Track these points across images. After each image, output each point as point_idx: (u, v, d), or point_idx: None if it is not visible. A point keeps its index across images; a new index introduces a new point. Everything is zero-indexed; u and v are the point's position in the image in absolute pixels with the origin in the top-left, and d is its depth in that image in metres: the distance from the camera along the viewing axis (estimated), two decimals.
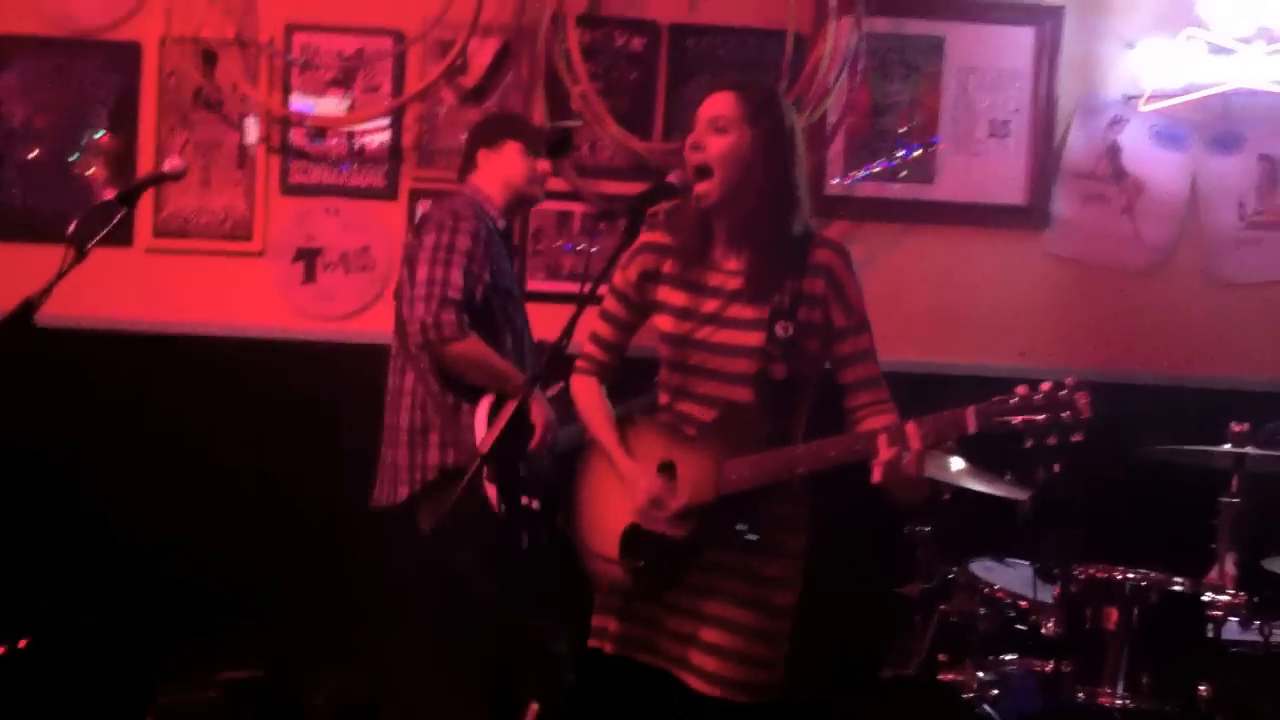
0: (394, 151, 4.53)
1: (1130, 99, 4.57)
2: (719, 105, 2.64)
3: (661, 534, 2.62)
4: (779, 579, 2.63)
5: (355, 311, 4.55)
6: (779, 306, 2.58)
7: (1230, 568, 3.57)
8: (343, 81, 4.52)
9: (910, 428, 2.35)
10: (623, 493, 2.68)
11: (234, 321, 4.49)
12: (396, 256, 4.52)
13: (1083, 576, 3.15)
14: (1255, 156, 4.65)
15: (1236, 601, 3.04)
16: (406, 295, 3.53)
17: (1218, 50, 4.40)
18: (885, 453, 2.36)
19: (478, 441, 3.39)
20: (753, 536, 2.56)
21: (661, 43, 4.56)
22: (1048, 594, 3.35)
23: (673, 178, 2.64)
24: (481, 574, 3.29)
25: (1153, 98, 4.51)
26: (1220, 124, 4.60)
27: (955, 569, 3.72)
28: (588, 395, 2.85)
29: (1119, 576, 3.12)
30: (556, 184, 4.45)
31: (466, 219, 3.52)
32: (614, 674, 2.69)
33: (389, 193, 4.54)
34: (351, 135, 4.52)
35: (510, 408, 2.61)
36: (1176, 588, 3.08)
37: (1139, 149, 4.63)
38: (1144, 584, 3.07)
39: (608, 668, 2.69)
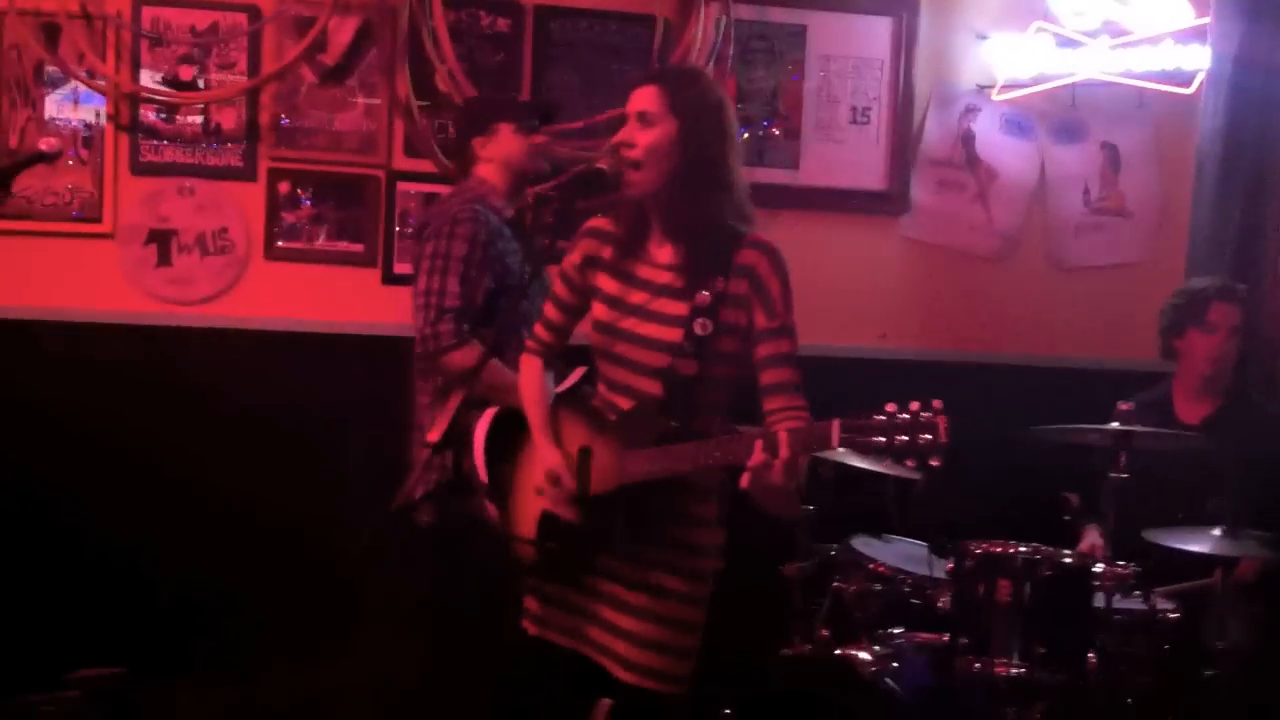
0: (251, 131, 4.39)
1: (983, 89, 4.71)
2: (643, 99, 2.64)
3: (565, 520, 2.61)
4: (677, 567, 2.64)
5: (213, 295, 4.40)
6: (701, 304, 2.58)
7: (1097, 539, 3.72)
8: (195, 58, 4.35)
9: (781, 434, 2.36)
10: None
11: (84, 306, 4.29)
12: (257, 238, 4.41)
13: (978, 552, 3.23)
14: (1098, 145, 4.85)
15: (1126, 573, 3.17)
16: (411, 304, 3.51)
17: (1066, 43, 4.56)
18: (755, 458, 2.36)
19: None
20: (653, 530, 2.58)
21: (526, 25, 4.51)
22: (939, 569, 3.45)
23: (603, 164, 2.62)
24: (461, 584, 3.25)
25: (1005, 88, 4.66)
26: (1065, 113, 4.78)
27: (836, 547, 3.80)
28: (526, 375, 2.85)
29: (1011, 551, 3.22)
30: (426, 166, 4.41)
31: (464, 223, 3.44)
32: (536, 654, 2.69)
33: (247, 173, 4.40)
34: (206, 114, 4.36)
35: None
36: (1067, 560, 3.19)
37: (990, 137, 4.78)
38: (1036, 558, 3.18)
39: (532, 647, 2.71)
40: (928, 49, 4.71)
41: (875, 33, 4.70)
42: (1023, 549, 3.23)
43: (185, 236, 4.36)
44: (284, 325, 4.39)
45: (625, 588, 2.62)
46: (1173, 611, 3.24)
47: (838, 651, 3.38)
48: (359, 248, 4.44)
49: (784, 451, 2.34)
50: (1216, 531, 3.19)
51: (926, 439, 2.20)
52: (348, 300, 4.45)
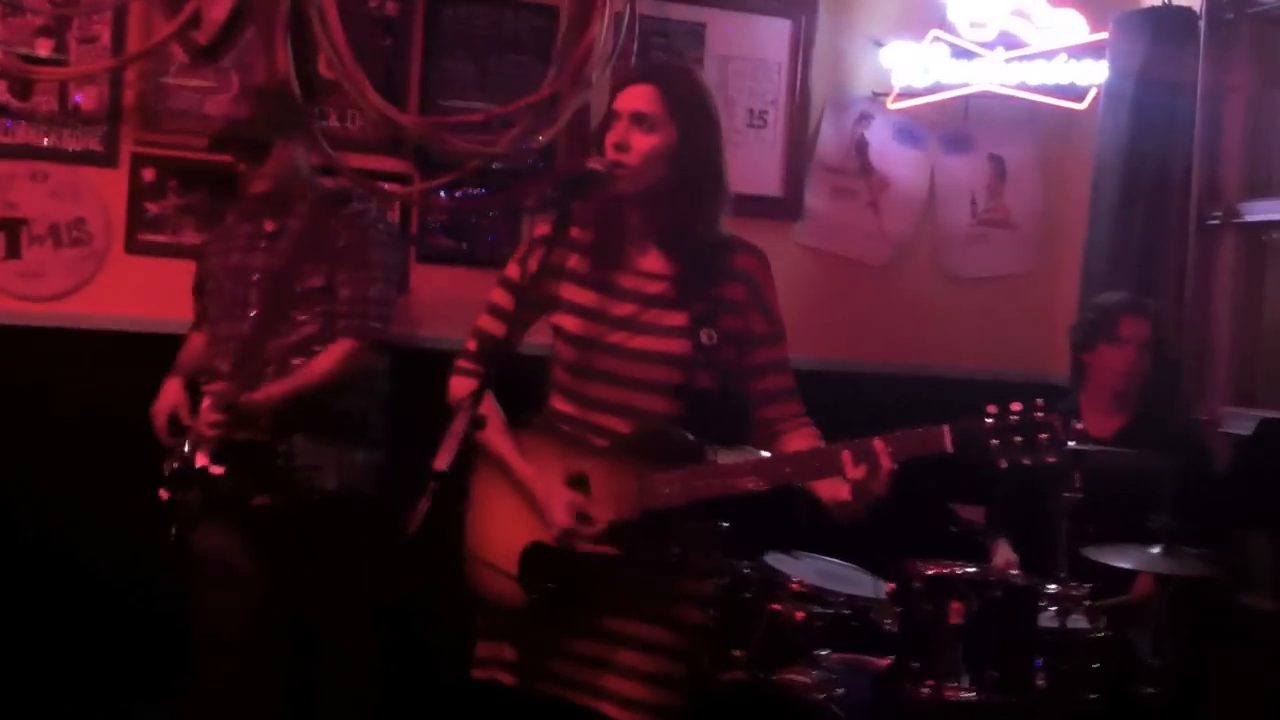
0: (113, 112, 4.01)
1: (878, 96, 4.66)
2: (641, 100, 2.43)
3: (575, 554, 2.38)
4: (693, 596, 2.47)
5: (67, 291, 4.01)
6: (701, 313, 2.41)
7: (1010, 554, 3.70)
8: (54, 30, 3.95)
9: (878, 445, 2.24)
10: (521, 507, 2.44)
11: None
12: (117, 229, 4.03)
13: (928, 573, 3.15)
14: (985, 156, 4.87)
15: (1078, 593, 3.13)
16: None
17: (962, 54, 4.54)
18: (854, 471, 2.24)
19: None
20: (677, 555, 2.39)
21: (417, 10, 4.26)
22: (874, 589, 3.37)
23: (596, 164, 2.41)
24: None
25: (900, 96, 4.62)
26: (954, 124, 4.78)
27: (749, 564, 3.67)
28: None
29: (960, 572, 3.15)
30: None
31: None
32: (513, 707, 2.45)
33: (108, 158, 4.02)
34: (64, 92, 3.96)
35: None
36: (1018, 581, 3.14)
37: (883, 146, 4.75)
38: (988, 579, 3.12)
39: (505, 701, 2.45)
40: (825, 53, 4.64)
41: (774, 34, 4.61)
42: (970, 569, 3.17)
43: (37, 226, 3.97)
44: (145, 326, 4.02)
45: (642, 621, 2.42)
46: (1103, 630, 3.22)
47: (776, 677, 3.25)
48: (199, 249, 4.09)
49: (886, 461, 2.23)
50: (1156, 549, 3.18)
51: (1044, 437, 2.18)
52: None
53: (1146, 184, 4.13)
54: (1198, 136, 4.03)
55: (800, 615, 3.34)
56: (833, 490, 2.31)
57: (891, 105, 4.64)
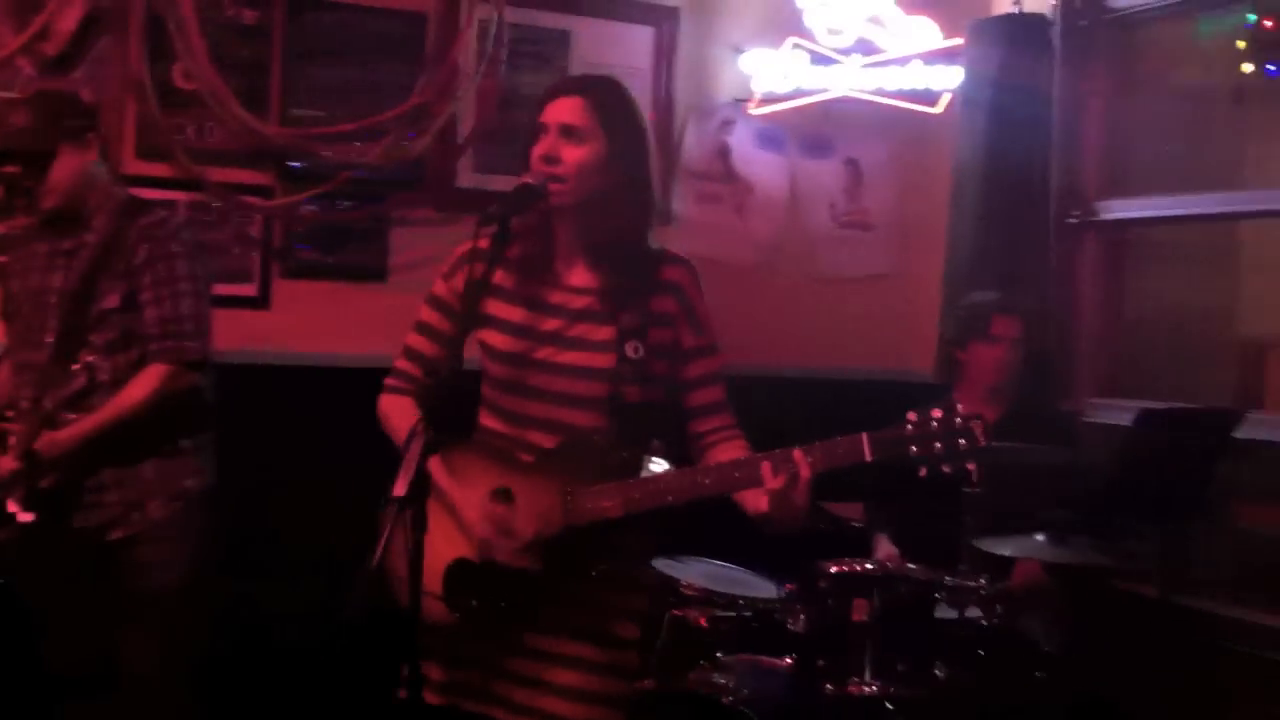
0: None
1: (740, 102, 4.72)
2: (569, 112, 2.40)
3: (497, 568, 2.35)
4: (624, 610, 2.45)
5: None
6: (629, 326, 2.39)
7: (891, 547, 3.78)
8: None
9: (797, 455, 2.25)
10: (449, 525, 2.39)
11: None
12: None
13: (832, 571, 3.20)
14: (842, 160, 4.98)
15: (976, 584, 3.21)
16: None
17: (820, 60, 4.64)
18: (773, 481, 2.24)
19: None
20: (602, 570, 2.37)
21: (277, 17, 4.13)
22: (764, 590, 3.41)
23: (530, 179, 2.38)
24: None
25: (762, 101, 4.69)
26: (813, 128, 4.87)
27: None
28: (401, 413, 2.53)
29: (865, 569, 3.20)
30: (162, 169, 3.96)
31: None
32: None
33: None
34: None
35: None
36: (921, 576, 3.20)
37: (746, 151, 4.81)
38: (892, 575, 3.18)
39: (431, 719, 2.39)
40: (687, 60, 4.68)
41: (637, 42, 4.62)
42: (869, 565, 3.23)
43: None
44: None
45: (573, 639, 2.39)
46: (995, 619, 3.32)
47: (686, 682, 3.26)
48: None
49: (805, 471, 2.24)
50: (1041, 537, 3.30)
51: (963, 443, 2.20)
52: None
53: (1006, 186, 4.28)
54: (1056, 139, 4.20)
55: (703, 619, 3.35)
56: (755, 502, 2.31)
57: (754, 111, 4.71)
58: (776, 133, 4.85)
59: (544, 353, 2.43)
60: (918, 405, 2.27)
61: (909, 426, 2.23)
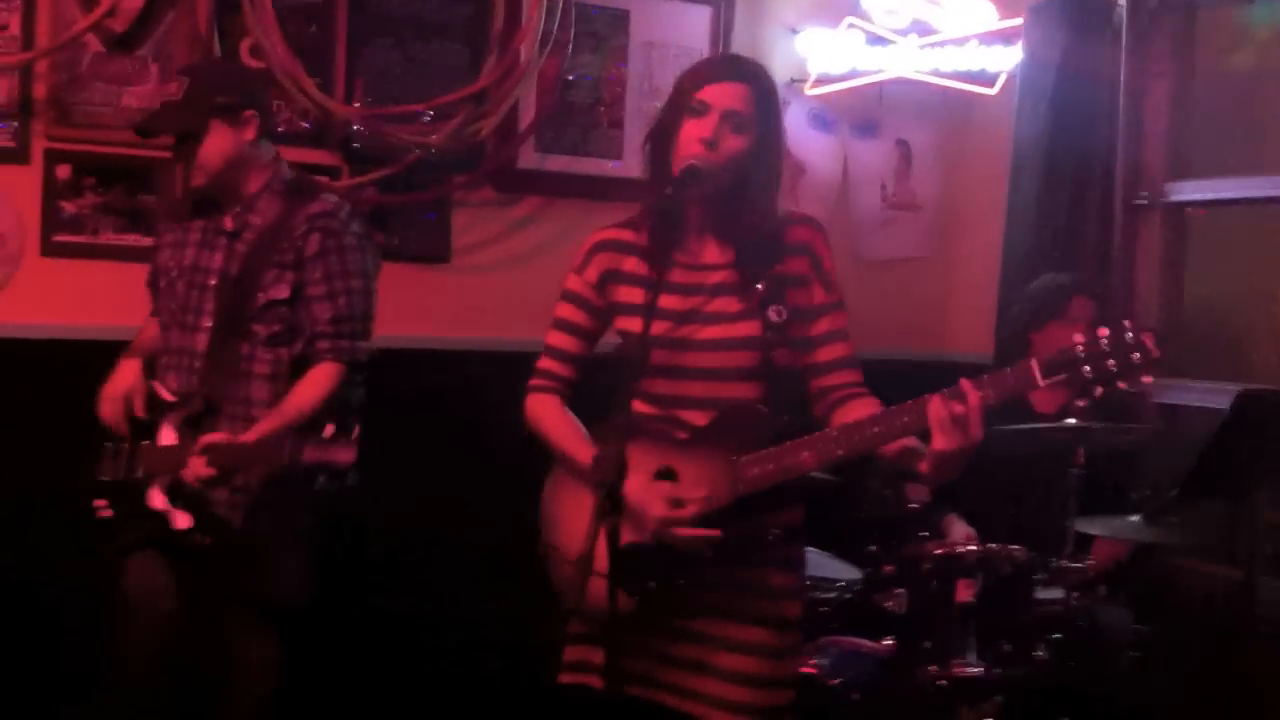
0: (24, 105, 3.73)
1: (795, 83, 4.71)
2: (737, 99, 2.39)
3: (671, 548, 2.35)
4: (787, 589, 2.46)
5: None
6: (766, 292, 2.39)
7: (966, 527, 3.79)
8: None
9: (966, 384, 2.19)
10: None
11: None
12: (31, 230, 3.76)
13: (937, 553, 3.21)
14: (893, 141, 4.99)
15: (1085, 566, 3.24)
16: None
17: (876, 40, 4.63)
18: (944, 411, 2.17)
19: None
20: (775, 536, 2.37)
21: None
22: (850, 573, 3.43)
23: (697, 162, 2.36)
24: None
25: (817, 82, 4.68)
26: (864, 109, 4.87)
27: None
28: (552, 412, 2.55)
29: (968, 552, 3.21)
30: None
31: None
32: (603, 712, 2.39)
33: (19, 155, 3.74)
34: None
35: None
36: (1022, 558, 3.22)
37: (799, 132, 4.79)
38: (997, 556, 3.19)
39: (597, 706, 2.40)
40: (743, 40, 4.65)
41: (695, 21, 4.60)
42: (972, 547, 3.24)
43: None
44: (64, 332, 3.77)
45: (737, 622, 2.40)
46: (1087, 599, 3.35)
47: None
48: (152, 241, 3.87)
49: (974, 399, 2.16)
50: (1135, 518, 3.33)
51: (1137, 357, 2.10)
52: (140, 303, 3.86)
53: (1069, 169, 4.29)
54: (1122, 123, 4.21)
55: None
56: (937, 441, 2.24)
57: (809, 91, 4.70)
58: (829, 114, 4.85)
59: (684, 331, 2.44)
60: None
61: (1078, 348, 2.14)
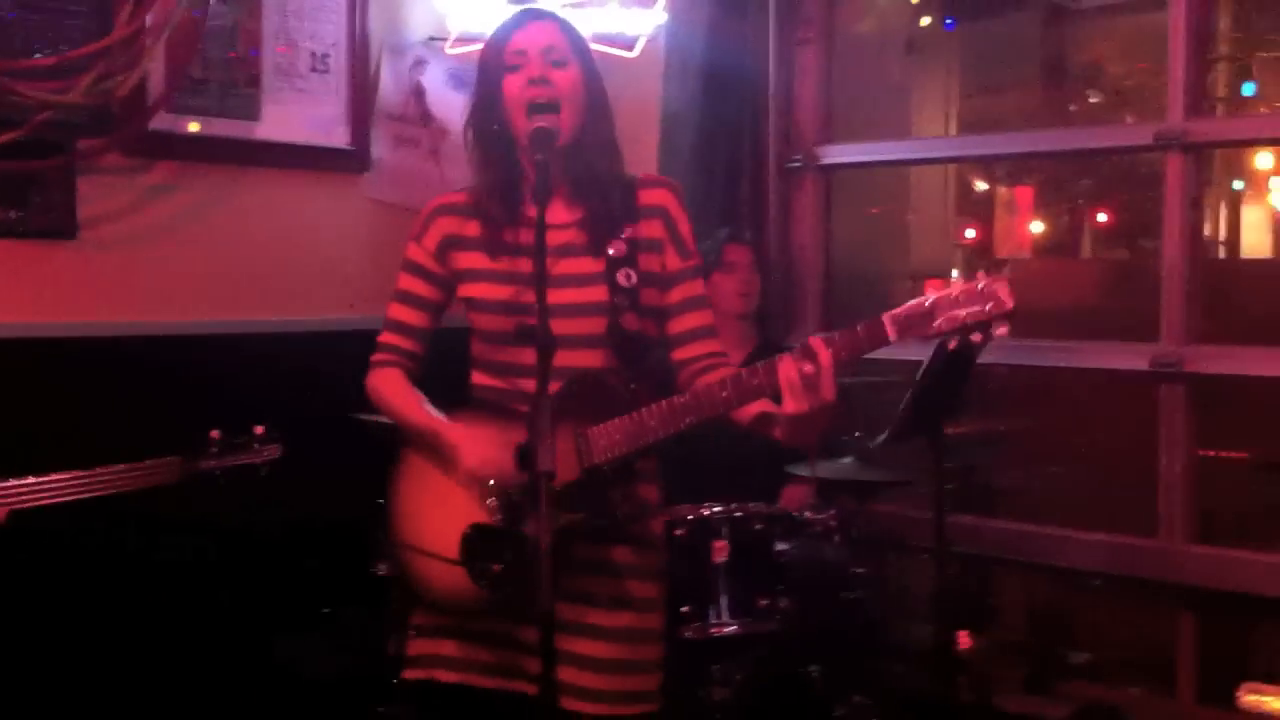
0: None
1: (434, 40, 4.51)
2: (549, 35, 2.29)
3: (517, 528, 2.17)
4: (644, 568, 2.33)
5: None
6: (617, 255, 2.26)
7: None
8: None
9: (815, 342, 2.12)
10: (456, 490, 2.25)
11: None
12: None
13: (690, 518, 3.17)
14: None
15: (830, 518, 3.32)
16: None
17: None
18: (801, 369, 2.09)
19: None
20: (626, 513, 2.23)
21: None
22: None
23: (542, 121, 2.19)
24: None
25: (458, 41, 4.50)
26: None
27: None
28: (395, 386, 2.38)
29: (720, 512, 3.19)
30: None
31: None
32: (455, 704, 2.23)
33: None
34: None
35: None
36: (767, 512, 3.25)
37: (440, 92, 4.60)
38: (744, 514, 3.20)
39: (445, 698, 2.27)
40: None
41: None
42: (718, 509, 3.23)
43: None
44: None
45: (593, 606, 2.27)
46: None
47: None
48: None
49: (826, 357, 2.08)
50: (848, 460, 3.48)
51: (990, 307, 2.06)
52: None
53: (721, 133, 4.38)
54: (773, 88, 4.34)
55: None
56: (773, 411, 2.22)
57: (450, 51, 4.51)
58: (466, 72, 4.67)
59: (531, 295, 2.26)
60: None
61: (926, 301, 2.09)
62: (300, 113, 4.22)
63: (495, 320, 2.32)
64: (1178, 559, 3.83)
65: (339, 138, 4.33)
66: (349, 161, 4.36)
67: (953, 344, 2.15)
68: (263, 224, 4.16)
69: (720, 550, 3.15)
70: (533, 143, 2.20)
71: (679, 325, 2.43)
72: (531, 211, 2.32)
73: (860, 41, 4.76)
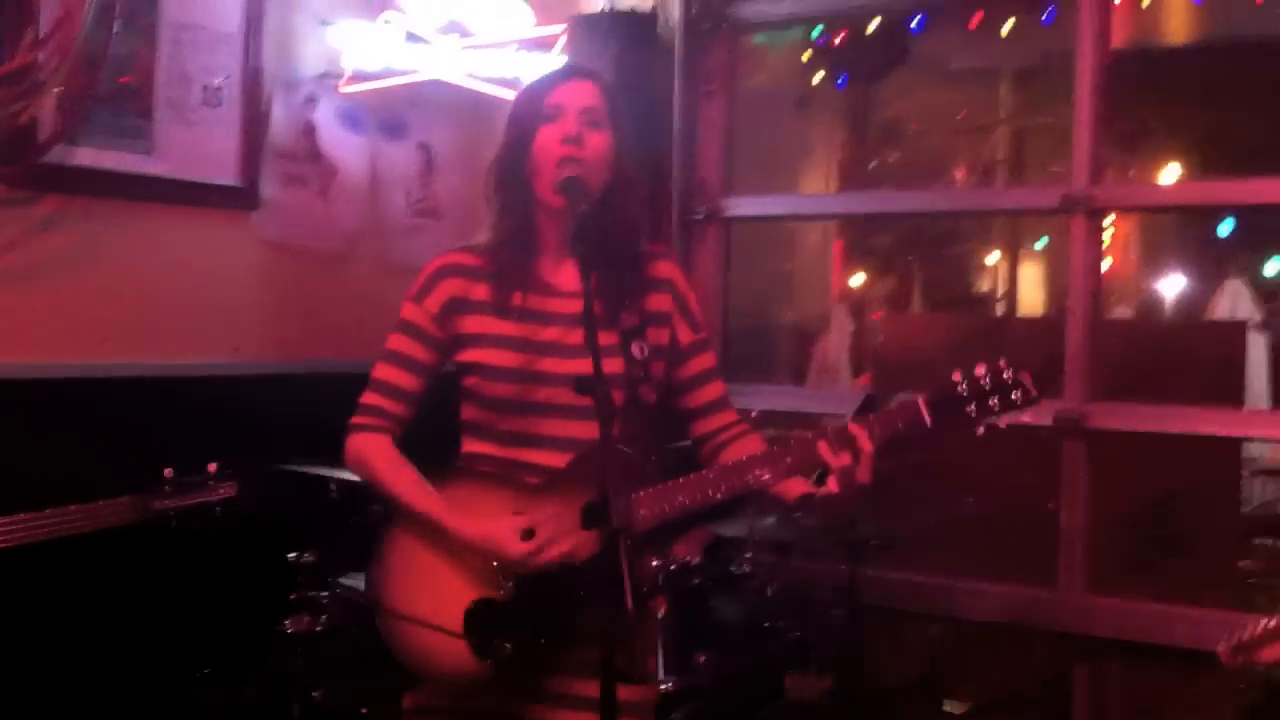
0: None
1: (327, 77, 4.38)
2: (590, 95, 2.25)
3: (527, 606, 2.10)
4: (643, 641, 2.26)
5: None
6: (629, 326, 2.19)
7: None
8: None
9: (854, 428, 2.14)
10: (451, 566, 2.16)
11: None
12: None
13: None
14: (415, 144, 4.77)
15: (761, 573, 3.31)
16: None
17: (416, 39, 4.42)
18: (836, 460, 2.13)
19: None
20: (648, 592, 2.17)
21: None
22: None
23: (571, 170, 2.11)
24: None
25: (353, 79, 4.38)
26: (392, 110, 4.63)
27: (327, 593, 3.41)
28: (384, 455, 2.25)
29: (657, 565, 3.13)
30: None
31: None
32: None
33: None
34: None
35: None
36: (705, 566, 3.21)
37: (330, 130, 4.47)
38: (680, 569, 3.15)
39: None
40: (275, 28, 4.24)
41: (226, 6, 4.11)
42: (655, 563, 3.18)
43: None
44: None
45: (579, 676, 2.18)
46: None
47: None
48: None
49: (867, 444, 2.12)
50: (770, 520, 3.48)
51: (1017, 396, 2.15)
52: None
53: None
54: (677, 138, 4.35)
55: None
56: (799, 489, 2.24)
57: (344, 89, 4.39)
58: (357, 112, 4.55)
59: (545, 364, 2.22)
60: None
61: (960, 386, 2.17)
62: (191, 147, 4.03)
63: (503, 388, 2.25)
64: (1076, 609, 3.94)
65: (229, 174, 4.15)
66: (239, 198, 4.18)
67: (979, 429, 2.21)
68: (151, 261, 3.96)
69: (659, 605, 3.11)
70: (562, 191, 2.15)
71: (698, 399, 2.42)
72: (545, 274, 2.29)
73: (756, 96, 4.81)
